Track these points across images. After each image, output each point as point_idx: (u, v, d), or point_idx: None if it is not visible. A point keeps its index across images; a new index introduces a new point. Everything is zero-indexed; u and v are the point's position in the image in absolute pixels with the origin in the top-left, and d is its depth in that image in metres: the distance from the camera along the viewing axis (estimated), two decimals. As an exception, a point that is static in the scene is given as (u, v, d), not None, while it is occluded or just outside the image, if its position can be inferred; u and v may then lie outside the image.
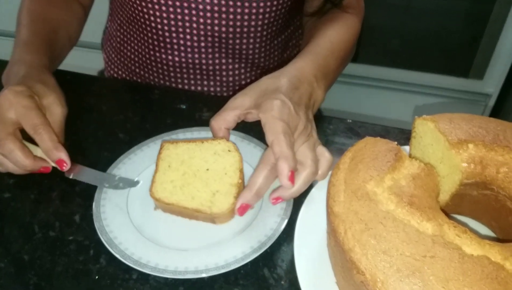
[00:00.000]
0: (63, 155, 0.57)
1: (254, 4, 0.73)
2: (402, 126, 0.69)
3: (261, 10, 0.74)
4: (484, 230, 0.52)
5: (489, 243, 0.39)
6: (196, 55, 0.79)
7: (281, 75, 0.59)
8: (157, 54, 0.80)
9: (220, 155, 0.57)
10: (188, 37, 0.77)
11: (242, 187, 0.55)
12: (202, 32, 0.76)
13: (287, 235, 0.54)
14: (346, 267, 0.40)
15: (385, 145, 0.47)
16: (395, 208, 0.41)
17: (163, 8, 0.74)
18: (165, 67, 0.82)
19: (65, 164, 0.57)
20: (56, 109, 0.62)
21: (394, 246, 0.38)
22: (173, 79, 0.84)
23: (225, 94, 0.87)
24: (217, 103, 0.75)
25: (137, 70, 0.87)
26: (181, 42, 0.77)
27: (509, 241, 0.41)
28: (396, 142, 0.48)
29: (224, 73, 0.83)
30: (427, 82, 1.65)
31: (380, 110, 1.72)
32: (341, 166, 0.47)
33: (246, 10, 0.74)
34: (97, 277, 0.51)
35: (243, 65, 0.83)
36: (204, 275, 0.49)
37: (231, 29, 0.76)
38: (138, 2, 0.74)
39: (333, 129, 0.70)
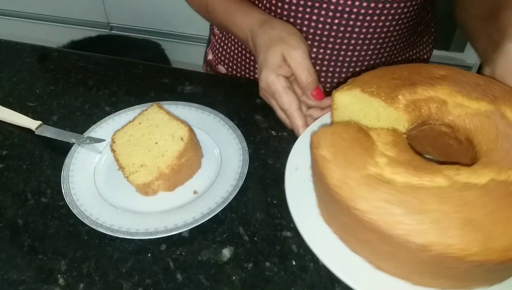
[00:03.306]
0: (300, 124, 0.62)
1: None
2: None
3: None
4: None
5: (478, 168, 0.43)
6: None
7: None
8: None
9: (173, 138, 0.60)
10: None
11: (169, 175, 0.57)
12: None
13: (260, 199, 0.59)
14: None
15: (347, 134, 0.48)
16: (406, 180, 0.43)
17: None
18: None
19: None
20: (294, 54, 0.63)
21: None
22: None
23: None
24: (200, 77, 0.79)
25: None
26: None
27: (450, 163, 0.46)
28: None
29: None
30: (410, 56, 1.68)
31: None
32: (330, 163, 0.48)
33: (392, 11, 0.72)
34: (86, 237, 0.55)
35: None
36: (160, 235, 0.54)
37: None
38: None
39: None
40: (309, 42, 0.76)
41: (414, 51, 0.88)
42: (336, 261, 0.46)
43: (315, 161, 0.46)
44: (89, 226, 0.55)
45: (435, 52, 1.66)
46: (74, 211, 0.55)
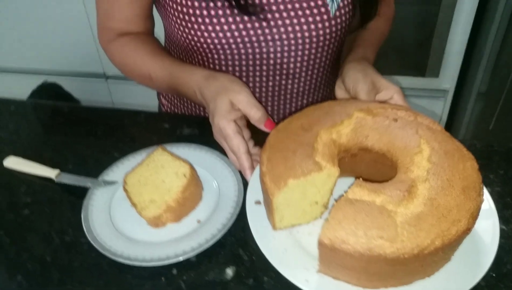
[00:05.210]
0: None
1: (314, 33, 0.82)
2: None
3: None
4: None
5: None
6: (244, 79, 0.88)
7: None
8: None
9: (177, 175, 0.69)
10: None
11: (175, 207, 0.66)
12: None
13: (257, 221, 0.68)
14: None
15: (354, 212, 0.55)
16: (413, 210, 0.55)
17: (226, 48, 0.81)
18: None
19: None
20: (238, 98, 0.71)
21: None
22: None
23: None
24: (196, 120, 0.89)
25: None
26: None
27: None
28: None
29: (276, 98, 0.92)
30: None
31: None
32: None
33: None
34: (107, 268, 0.64)
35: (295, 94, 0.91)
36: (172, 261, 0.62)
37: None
38: (195, 35, 0.80)
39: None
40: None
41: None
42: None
43: (351, 253, 0.52)
44: (109, 258, 0.63)
45: (412, 79, 1.79)
46: (96, 245, 0.64)
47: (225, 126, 0.69)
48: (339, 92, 0.78)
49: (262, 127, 0.71)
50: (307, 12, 0.78)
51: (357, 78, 0.74)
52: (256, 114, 0.70)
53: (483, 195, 0.57)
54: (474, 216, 0.54)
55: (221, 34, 0.78)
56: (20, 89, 2.05)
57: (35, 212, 0.73)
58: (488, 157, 0.77)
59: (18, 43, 2.10)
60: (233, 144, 0.69)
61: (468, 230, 0.53)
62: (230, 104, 0.70)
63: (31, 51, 2.11)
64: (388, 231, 0.52)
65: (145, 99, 2.04)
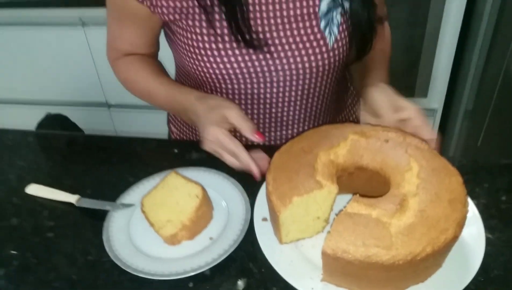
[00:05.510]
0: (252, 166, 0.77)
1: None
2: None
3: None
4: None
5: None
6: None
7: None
8: None
9: (189, 196, 0.76)
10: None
11: (189, 226, 0.73)
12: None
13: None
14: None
15: (353, 223, 0.61)
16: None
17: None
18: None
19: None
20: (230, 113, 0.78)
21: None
22: None
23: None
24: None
25: None
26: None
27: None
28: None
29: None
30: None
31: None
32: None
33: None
34: (129, 283, 0.70)
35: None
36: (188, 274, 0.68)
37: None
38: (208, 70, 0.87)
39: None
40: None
41: (343, 114, 1.09)
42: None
43: (351, 261, 0.58)
44: (130, 275, 0.69)
45: (402, 99, 1.87)
46: (118, 263, 0.70)
47: (219, 133, 0.77)
48: (364, 115, 0.84)
49: (252, 137, 0.77)
50: (307, 45, 0.86)
51: (378, 99, 0.81)
52: (248, 126, 0.77)
53: (468, 206, 0.63)
54: (461, 225, 0.61)
55: (228, 66, 0.86)
56: (24, 120, 2.11)
57: (59, 234, 0.79)
58: (474, 172, 0.83)
59: (21, 74, 2.16)
60: (232, 146, 0.77)
61: (455, 237, 0.60)
62: (222, 117, 0.78)
63: (33, 82, 2.17)
64: (383, 241, 0.58)
65: (147, 126, 2.12)
